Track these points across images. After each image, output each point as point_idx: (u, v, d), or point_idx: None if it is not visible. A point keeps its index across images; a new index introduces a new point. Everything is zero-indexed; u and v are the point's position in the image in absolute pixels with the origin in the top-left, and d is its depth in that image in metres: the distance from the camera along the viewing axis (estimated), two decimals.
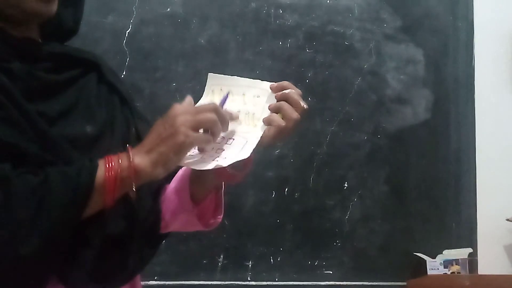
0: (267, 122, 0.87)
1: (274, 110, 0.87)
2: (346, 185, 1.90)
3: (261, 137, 0.85)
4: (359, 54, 1.94)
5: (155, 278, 1.76)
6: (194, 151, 0.84)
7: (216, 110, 0.78)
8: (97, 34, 1.69)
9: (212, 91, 0.90)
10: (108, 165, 0.73)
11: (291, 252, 1.84)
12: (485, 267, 1.89)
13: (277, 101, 0.87)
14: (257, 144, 0.84)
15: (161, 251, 1.66)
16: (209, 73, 0.91)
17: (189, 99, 0.81)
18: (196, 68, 1.79)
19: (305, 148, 1.87)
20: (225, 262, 1.80)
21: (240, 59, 1.84)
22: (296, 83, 1.82)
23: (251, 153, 0.83)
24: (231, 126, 0.85)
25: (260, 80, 0.90)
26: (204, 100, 0.90)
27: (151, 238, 0.88)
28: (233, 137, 0.86)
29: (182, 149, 0.75)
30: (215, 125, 0.78)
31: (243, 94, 0.89)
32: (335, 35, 1.93)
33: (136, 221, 0.82)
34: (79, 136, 0.79)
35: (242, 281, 1.81)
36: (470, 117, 2.00)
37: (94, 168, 0.73)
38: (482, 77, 2.03)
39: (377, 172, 1.92)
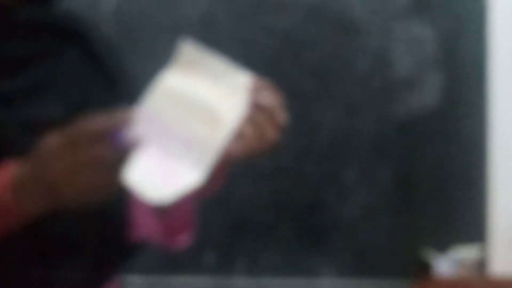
0: (239, 135, 0.70)
1: (249, 121, 0.71)
2: (346, 176, 1.86)
3: (223, 152, 0.68)
4: (363, 33, 1.88)
5: (139, 272, 1.73)
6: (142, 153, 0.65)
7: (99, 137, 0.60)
8: (81, 5, 1.66)
9: (187, 67, 0.72)
10: None
11: (287, 247, 1.83)
12: (496, 267, 1.83)
13: (253, 107, 0.71)
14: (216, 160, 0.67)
15: (143, 248, 1.69)
16: (182, 42, 0.73)
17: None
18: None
19: (302, 136, 1.82)
20: (215, 257, 1.80)
21: (234, 36, 1.80)
22: (294, 63, 1.79)
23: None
24: (183, 117, 0.67)
25: (236, 70, 0.72)
26: (173, 77, 0.71)
27: (116, 246, 0.78)
28: (190, 139, 0.68)
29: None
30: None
31: (213, 82, 0.71)
32: (338, 11, 1.87)
33: (93, 227, 0.73)
34: (39, 120, 0.69)
35: (234, 278, 1.81)
36: (482, 105, 1.93)
37: None
38: (497, 62, 1.94)
39: (380, 162, 1.88)
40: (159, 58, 1.87)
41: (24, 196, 0.62)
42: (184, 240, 0.84)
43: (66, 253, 0.72)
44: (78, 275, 0.73)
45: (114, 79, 0.81)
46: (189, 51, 0.72)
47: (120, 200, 0.77)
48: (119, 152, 0.61)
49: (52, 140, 0.61)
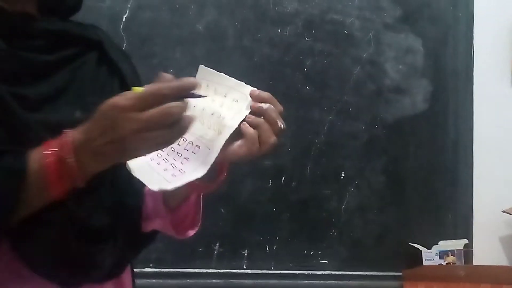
0: (242, 135, 0.78)
1: (251, 125, 0.78)
2: (343, 174, 1.89)
3: (227, 152, 0.78)
4: (358, 43, 1.92)
5: (150, 265, 1.78)
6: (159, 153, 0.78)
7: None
8: (93, 18, 1.66)
9: (203, 85, 0.84)
10: (48, 150, 0.65)
11: (287, 241, 1.85)
12: (480, 258, 1.88)
13: (253, 114, 0.79)
14: (220, 159, 0.78)
15: (156, 238, 1.69)
16: (200, 65, 0.84)
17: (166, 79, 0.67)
18: (194, 54, 1.78)
19: (302, 137, 1.86)
20: (221, 250, 1.81)
21: (238, 46, 1.82)
22: (295, 71, 1.86)
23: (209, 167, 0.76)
24: (198, 128, 0.78)
25: (244, 83, 0.82)
26: None
27: (131, 236, 0.83)
28: (199, 145, 0.80)
29: (130, 156, 0.67)
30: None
31: (225, 96, 0.82)
32: (335, 24, 1.90)
33: (112, 217, 0.77)
34: (64, 122, 0.71)
35: (238, 269, 1.82)
36: (468, 108, 1.98)
37: (29, 153, 0.65)
38: (481, 68, 2.00)
39: (374, 162, 1.91)
40: (168, 66, 1.91)
41: (89, 156, 0.64)
42: (191, 231, 0.90)
43: (100, 241, 0.75)
44: (109, 260, 0.77)
45: (128, 84, 0.83)
46: (205, 72, 0.84)
47: (139, 198, 0.86)
48: (186, 109, 0.64)
49: (120, 100, 0.63)
